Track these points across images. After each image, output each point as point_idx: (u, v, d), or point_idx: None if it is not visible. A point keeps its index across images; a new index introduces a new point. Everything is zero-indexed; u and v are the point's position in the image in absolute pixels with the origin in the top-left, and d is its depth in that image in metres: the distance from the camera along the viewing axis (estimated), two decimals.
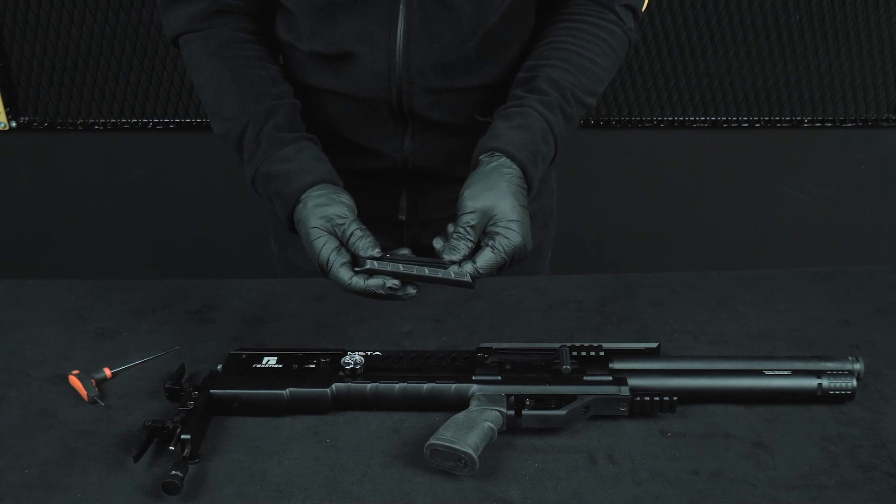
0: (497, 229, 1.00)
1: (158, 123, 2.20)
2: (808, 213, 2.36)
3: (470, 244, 1.00)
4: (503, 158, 1.05)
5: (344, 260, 1.01)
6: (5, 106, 2.16)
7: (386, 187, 1.30)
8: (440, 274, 0.97)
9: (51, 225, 2.37)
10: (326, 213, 1.03)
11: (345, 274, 1.00)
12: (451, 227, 1.02)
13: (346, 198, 1.07)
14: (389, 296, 0.99)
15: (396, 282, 0.99)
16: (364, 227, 1.02)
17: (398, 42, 1.14)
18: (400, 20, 1.13)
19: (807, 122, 2.22)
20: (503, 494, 0.90)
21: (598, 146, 2.24)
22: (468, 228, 1.00)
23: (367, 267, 0.99)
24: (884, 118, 2.22)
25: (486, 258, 0.99)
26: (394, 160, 1.25)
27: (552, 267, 1.55)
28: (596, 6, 1.18)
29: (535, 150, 1.07)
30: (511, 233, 1.00)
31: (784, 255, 2.41)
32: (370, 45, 1.15)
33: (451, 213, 1.04)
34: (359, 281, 0.99)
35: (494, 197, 1.01)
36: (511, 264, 1.01)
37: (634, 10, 1.21)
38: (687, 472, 0.93)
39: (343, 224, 1.02)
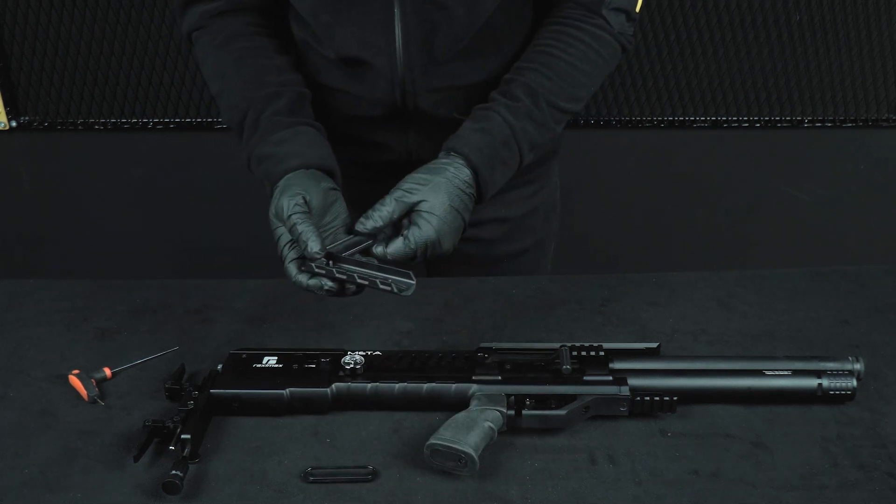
0: (416, 218, 1.01)
1: (158, 123, 2.19)
2: (808, 213, 2.36)
3: (385, 216, 1.01)
4: (457, 159, 1.07)
5: (295, 256, 1.00)
6: (5, 106, 2.15)
7: (389, 178, 1.31)
8: (378, 283, 0.96)
9: (51, 225, 2.37)
10: (282, 203, 1.01)
11: (292, 269, 1.00)
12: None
13: (326, 183, 1.05)
14: (334, 294, 0.99)
15: (333, 285, 0.98)
16: (309, 222, 0.99)
17: (398, 46, 1.15)
18: (397, 25, 1.13)
19: (807, 122, 2.21)
20: (503, 494, 0.90)
21: (598, 146, 2.24)
22: (392, 200, 1.01)
23: (312, 266, 0.97)
24: (884, 118, 2.22)
25: (395, 246, 1.01)
26: (398, 153, 1.27)
27: (553, 266, 1.55)
28: (583, 10, 1.17)
29: (495, 154, 1.08)
30: (427, 225, 1.01)
31: (784, 255, 2.41)
32: (371, 51, 1.16)
33: None
34: (302, 278, 0.99)
35: (429, 190, 1.02)
36: (421, 258, 1.01)
37: (626, 11, 1.18)
38: (687, 472, 0.93)
39: (291, 217, 1.00)
